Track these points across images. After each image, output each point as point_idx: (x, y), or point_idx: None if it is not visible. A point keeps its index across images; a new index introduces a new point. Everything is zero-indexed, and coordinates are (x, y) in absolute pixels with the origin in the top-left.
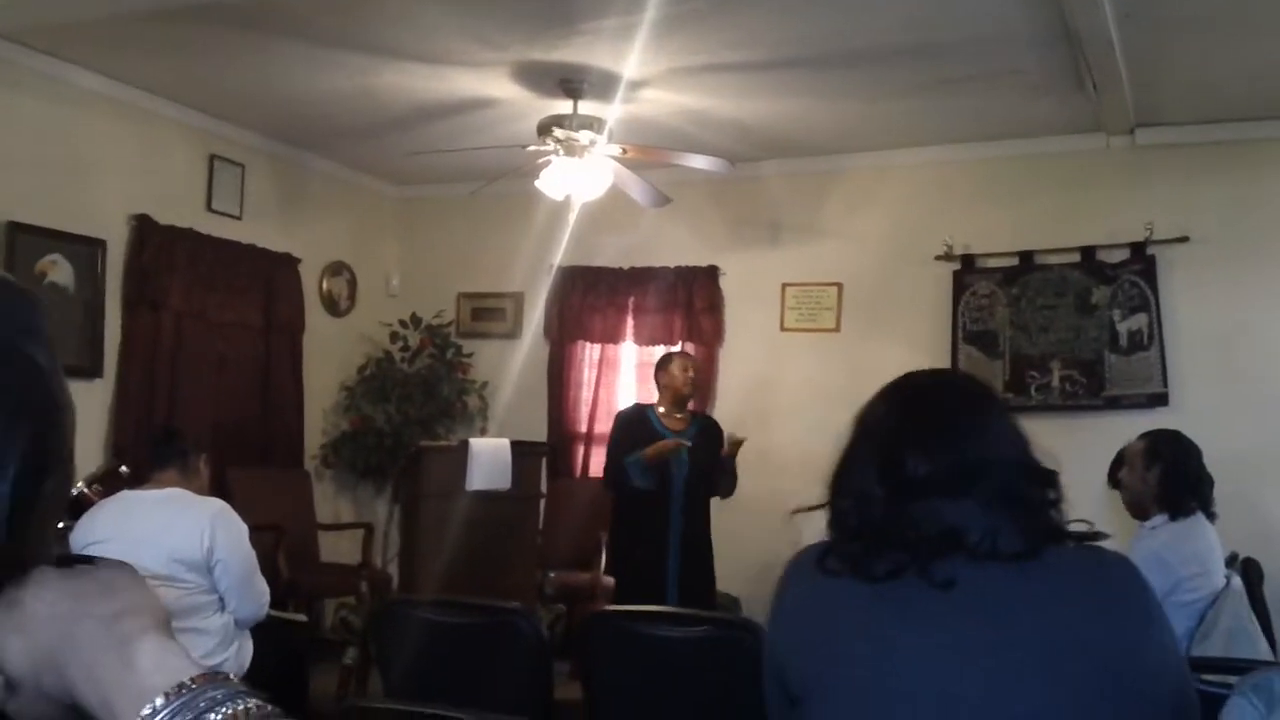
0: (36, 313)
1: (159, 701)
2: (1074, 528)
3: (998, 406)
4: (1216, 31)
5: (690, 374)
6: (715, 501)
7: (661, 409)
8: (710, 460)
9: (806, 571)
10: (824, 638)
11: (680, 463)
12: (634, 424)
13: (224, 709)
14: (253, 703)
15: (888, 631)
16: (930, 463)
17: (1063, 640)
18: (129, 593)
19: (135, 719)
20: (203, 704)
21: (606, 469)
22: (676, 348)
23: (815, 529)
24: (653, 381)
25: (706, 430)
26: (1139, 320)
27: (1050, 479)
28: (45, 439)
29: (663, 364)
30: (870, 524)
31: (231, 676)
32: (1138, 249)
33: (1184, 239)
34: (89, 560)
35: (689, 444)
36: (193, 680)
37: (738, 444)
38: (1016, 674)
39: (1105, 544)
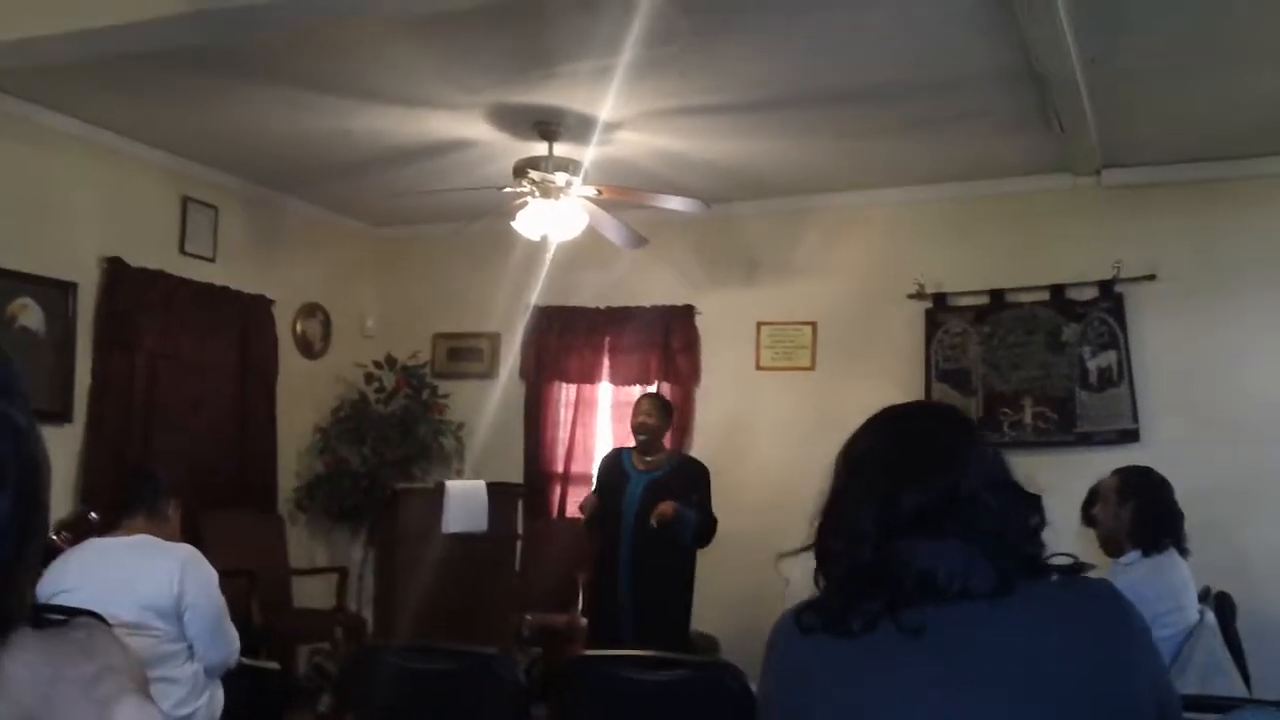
0: (12, 369)
1: None
2: (1057, 560)
3: (978, 432)
4: (1180, 75)
5: (643, 417)
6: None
7: (637, 451)
8: (680, 498)
9: (786, 632)
10: (805, 694)
11: (631, 499)
12: (607, 467)
13: None
14: None
15: (863, 679)
16: (924, 493)
17: (1037, 669)
18: (107, 653)
19: None
20: None
21: None
22: (652, 388)
23: (802, 570)
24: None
25: (679, 470)
26: (1108, 357)
27: (1036, 503)
28: (27, 504)
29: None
30: (859, 566)
31: None
32: (1106, 287)
33: (1151, 277)
34: (62, 611)
35: (584, 514)
36: None
37: (661, 516)
38: (992, 709)
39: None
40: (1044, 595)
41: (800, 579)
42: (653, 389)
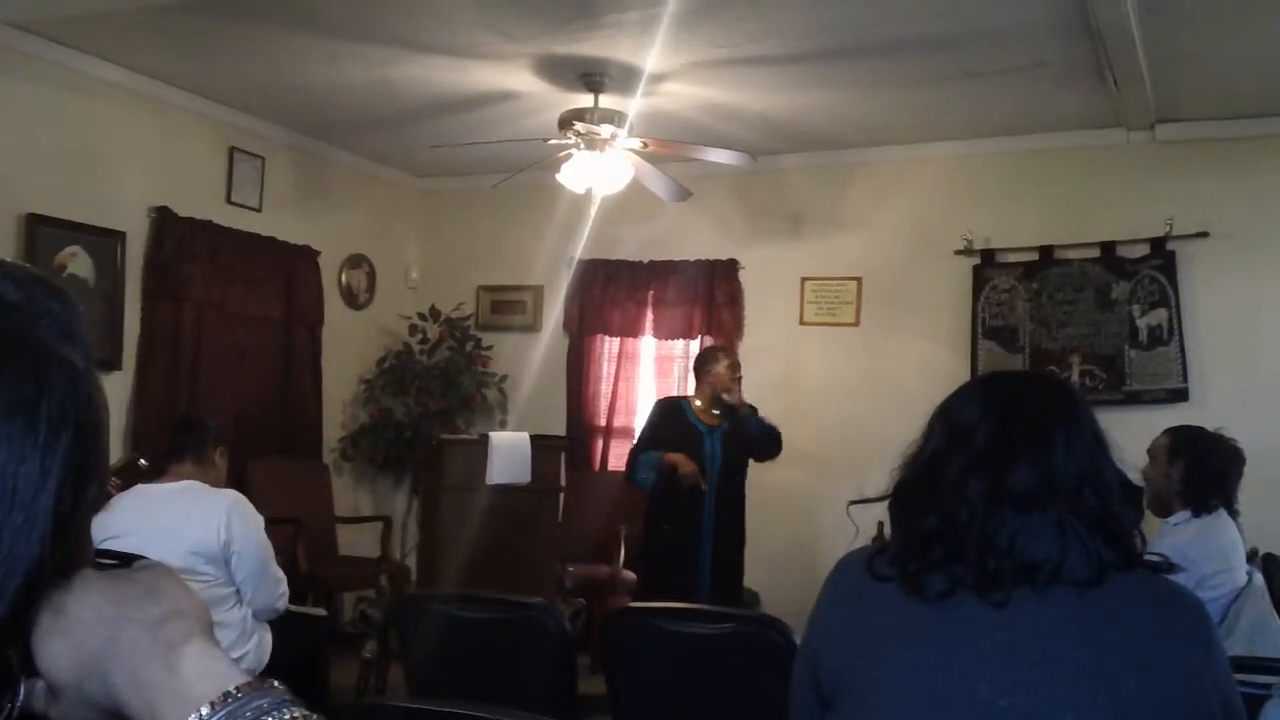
0: (74, 314)
1: (205, 711)
2: (1147, 558)
3: (1083, 407)
4: (1237, 27)
5: (739, 375)
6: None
7: (698, 403)
8: (745, 451)
9: (853, 573)
10: (864, 639)
11: (712, 456)
12: (669, 414)
13: (270, 718)
14: (299, 712)
15: (931, 638)
16: (1027, 473)
17: (1112, 660)
18: (173, 596)
19: None
20: (249, 713)
21: (629, 454)
22: (695, 342)
23: (870, 519)
24: (674, 375)
25: (733, 417)
26: (1159, 315)
27: (1136, 495)
28: (87, 446)
29: (708, 360)
30: (950, 535)
31: (277, 684)
32: (1157, 244)
33: (1204, 234)
34: (121, 557)
35: (706, 487)
36: (238, 688)
37: (733, 407)
38: (1061, 688)
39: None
40: (1133, 591)
41: (870, 526)
42: (721, 345)
